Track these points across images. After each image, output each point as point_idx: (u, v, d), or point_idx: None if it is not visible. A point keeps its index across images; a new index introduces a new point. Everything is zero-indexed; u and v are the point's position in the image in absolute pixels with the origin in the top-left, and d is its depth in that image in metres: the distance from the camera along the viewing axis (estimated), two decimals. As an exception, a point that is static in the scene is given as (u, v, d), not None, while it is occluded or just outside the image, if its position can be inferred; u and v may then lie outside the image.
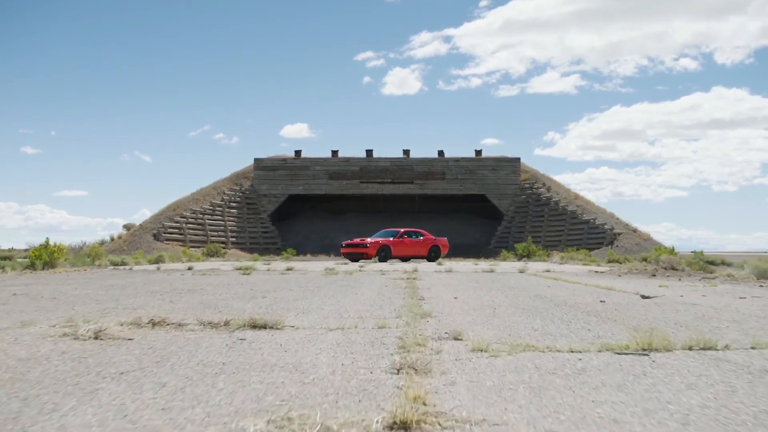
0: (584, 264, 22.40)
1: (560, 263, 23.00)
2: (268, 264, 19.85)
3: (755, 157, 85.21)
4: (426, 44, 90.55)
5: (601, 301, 6.92)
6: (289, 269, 15.46)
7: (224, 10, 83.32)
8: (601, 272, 15.27)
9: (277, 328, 4.53)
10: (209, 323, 4.63)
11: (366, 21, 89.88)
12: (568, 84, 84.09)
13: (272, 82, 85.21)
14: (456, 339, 4.04)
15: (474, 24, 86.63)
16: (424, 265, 19.10)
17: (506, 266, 18.60)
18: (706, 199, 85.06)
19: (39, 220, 73.67)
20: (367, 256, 22.92)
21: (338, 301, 6.87)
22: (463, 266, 18.29)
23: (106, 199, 75.10)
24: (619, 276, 13.55)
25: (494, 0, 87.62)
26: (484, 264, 20.51)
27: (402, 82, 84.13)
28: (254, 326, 4.53)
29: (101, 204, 75.14)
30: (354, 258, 23.16)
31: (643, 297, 7.33)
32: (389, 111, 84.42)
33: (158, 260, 22.34)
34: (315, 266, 17.58)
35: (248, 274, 13.29)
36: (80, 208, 77.88)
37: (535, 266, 18.67)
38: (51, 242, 16.29)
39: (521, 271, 14.98)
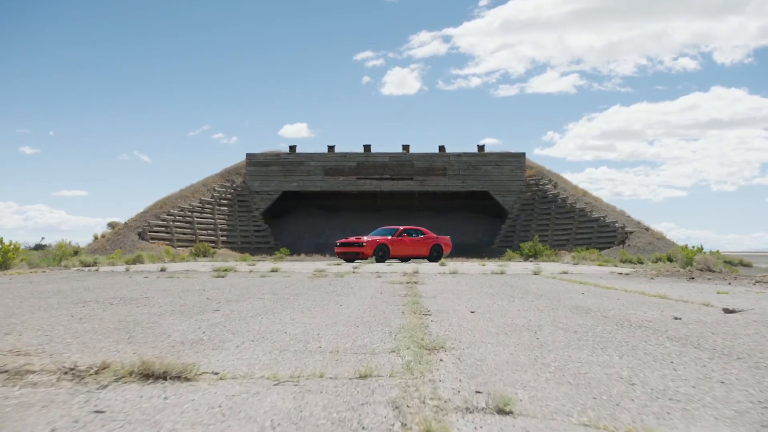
0: (600, 265, 20.49)
1: (574, 264, 21.08)
2: (253, 265, 17.94)
3: (754, 157, 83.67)
4: (425, 44, 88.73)
5: (675, 318, 5.02)
6: (273, 271, 13.57)
7: (224, 10, 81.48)
8: (626, 274, 13.35)
9: (187, 379, 2.63)
10: (71, 370, 2.71)
11: (365, 21, 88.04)
12: (567, 84, 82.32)
13: (272, 82, 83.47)
14: (502, 413, 2.14)
15: (473, 23, 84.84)
16: (425, 266, 17.17)
17: (516, 267, 16.69)
18: (705, 199, 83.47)
19: (38, 220, 71.96)
20: (363, 256, 20.94)
21: (312, 318, 4.97)
22: (469, 267, 16.37)
23: (105, 199, 73.50)
24: (652, 279, 11.66)
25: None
26: (491, 265, 18.57)
27: (401, 81, 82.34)
28: (146, 375, 2.63)
29: (100, 204, 73.57)
30: (349, 258, 21.21)
31: (727, 311, 5.43)
32: (389, 111, 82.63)
33: (136, 260, 20.40)
34: (304, 267, 15.66)
35: (223, 276, 11.39)
36: (79, 207, 76.19)
37: (547, 267, 16.76)
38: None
39: (536, 273, 13.09)
